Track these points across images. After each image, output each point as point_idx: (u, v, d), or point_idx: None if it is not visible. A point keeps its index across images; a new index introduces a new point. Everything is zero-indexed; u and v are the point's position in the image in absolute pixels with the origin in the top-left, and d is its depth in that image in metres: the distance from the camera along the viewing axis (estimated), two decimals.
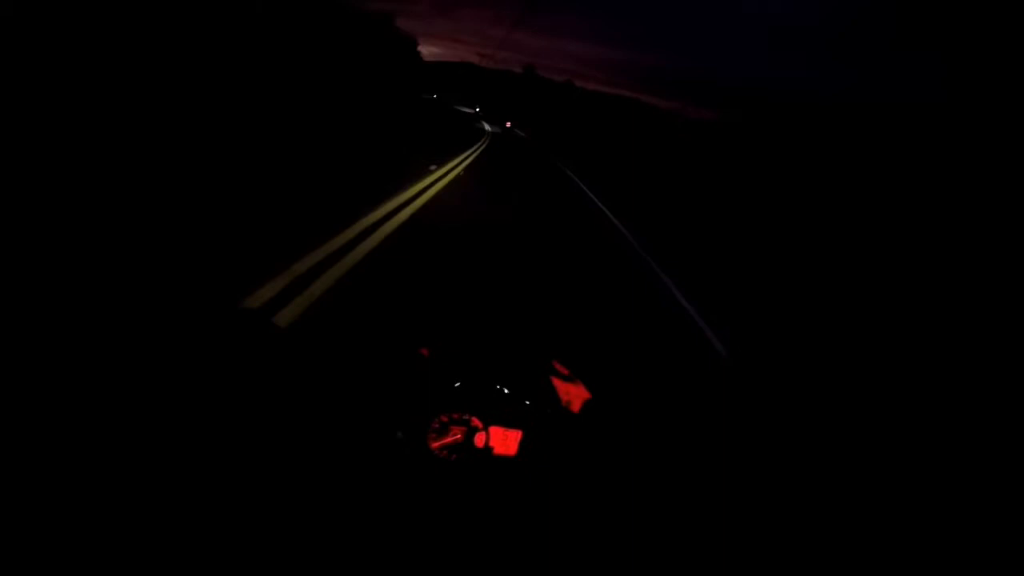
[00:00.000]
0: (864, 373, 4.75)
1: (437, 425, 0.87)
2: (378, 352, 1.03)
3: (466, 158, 12.00)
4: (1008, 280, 8.81)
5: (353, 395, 0.88)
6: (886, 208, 14.50)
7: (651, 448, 1.01)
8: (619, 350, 3.45)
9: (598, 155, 25.36)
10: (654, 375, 3.17)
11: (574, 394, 1.00)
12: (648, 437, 1.04)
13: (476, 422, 0.88)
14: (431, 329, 2.49)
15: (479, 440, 0.87)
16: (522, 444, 0.90)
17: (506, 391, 0.94)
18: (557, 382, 1.01)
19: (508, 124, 36.75)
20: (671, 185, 18.16)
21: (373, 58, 21.51)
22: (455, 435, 0.87)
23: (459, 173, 9.05)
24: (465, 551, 0.75)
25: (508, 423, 0.90)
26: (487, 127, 35.22)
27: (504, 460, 0.89)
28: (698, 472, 1.01)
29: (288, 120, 9.15)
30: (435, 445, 0.85)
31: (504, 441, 0.89)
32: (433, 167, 8.37)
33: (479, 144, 18.09)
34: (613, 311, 4.46)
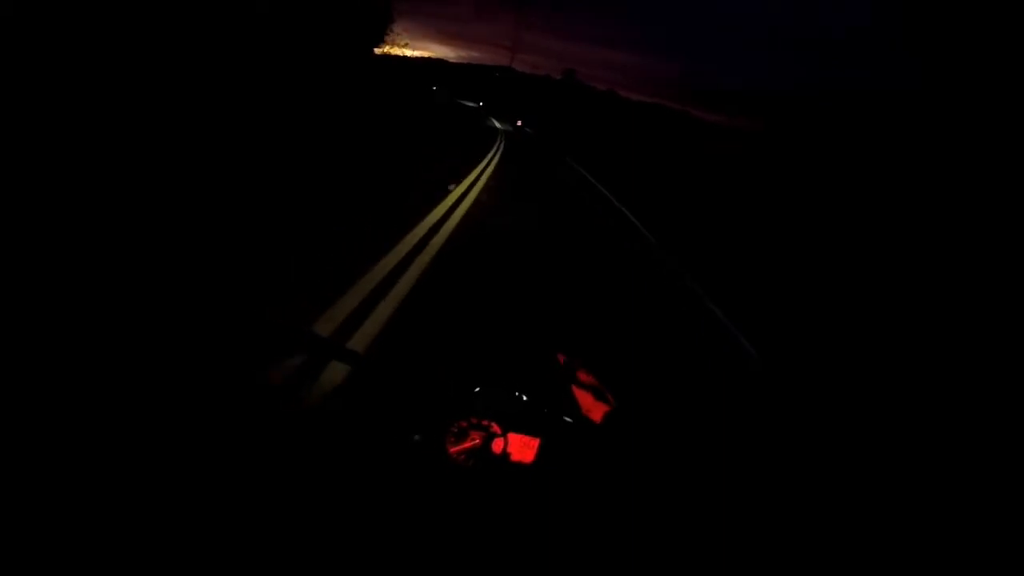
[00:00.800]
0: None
1: (456, 430, 0.87)
2: (400, 357, 1.12)
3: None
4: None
5: (373, 396, 0.91)
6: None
7: (660, 455, 1.02)
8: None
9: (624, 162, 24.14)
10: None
11: (595, 404, 0.99)
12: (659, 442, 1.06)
13: (495, 428, 0.89)
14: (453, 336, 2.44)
15: (497, 446, 0.88)
16: (540, 452, 0.90)
17: (525, 398, 0.94)
18: (578, 391, 1.01)
19: (519, 123, 37.99)
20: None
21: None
22: (473, 440, 0.87)
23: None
24: (475, 553, 0.76)
25: (527, 430, 0.90)
26: (497, 124, 34.33)
27: (521, 467, 0.89)
28: (703, 475, 1.03)
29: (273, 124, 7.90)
30: (453, 450, 0.86)
31: (522, 448, 0.89)
32: (451, 186, 6.98)
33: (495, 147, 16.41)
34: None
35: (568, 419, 0.94)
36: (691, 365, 3.76)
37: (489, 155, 13.19)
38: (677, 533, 0.88)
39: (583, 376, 1.03)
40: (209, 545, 0.66)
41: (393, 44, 20.43)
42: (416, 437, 0.86)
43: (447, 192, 6.48)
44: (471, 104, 51.85)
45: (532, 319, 3.47)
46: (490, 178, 9.18)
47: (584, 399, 0.99)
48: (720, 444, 2.19)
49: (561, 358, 1.07)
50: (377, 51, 20.18)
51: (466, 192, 7.00)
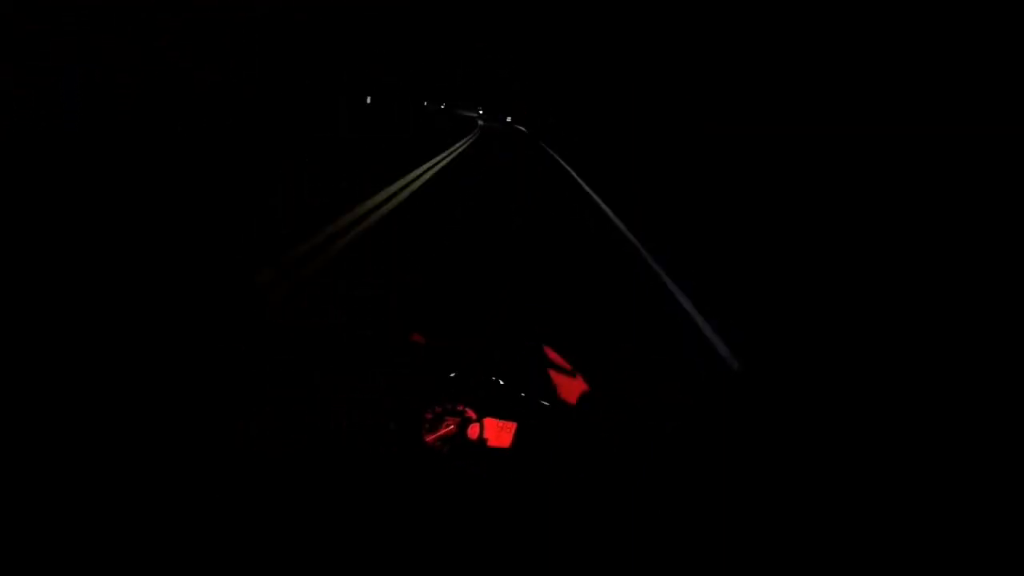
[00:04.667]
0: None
1: (431, 416, 0.88)
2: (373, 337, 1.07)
3: None
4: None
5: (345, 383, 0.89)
6: None
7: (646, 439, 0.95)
8: None
9: None
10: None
11: (571, 386, 0.98)
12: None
13: (470, 413, 0.89)
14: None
15: (473, 432, 0.88)
16: (517, 436, 0.89)
17: (502, 383, 0.94)
18: (554, 374, 1.00)
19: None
20: None
21: None
22: (448, 427, 0.87)
23: None
24: (455, 541, 0.74)
25: (503, 415, 0.89)
26: None
27: (498, 452, 0.88)
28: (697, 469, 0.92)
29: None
30: (429, 439, 0.86)
31: (498, 433, 0.89)
32: None
33: None
34: None
35: (545, 402, 0.95)
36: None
37: None
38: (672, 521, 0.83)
39: (552, 354, 1.04)
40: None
41: None
42: (392, 426, 0.86)
43: None
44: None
45: None
46: None
47: (560, 382, 1.00)
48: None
49: (549, 352, 1.07)
50: None
51: None
